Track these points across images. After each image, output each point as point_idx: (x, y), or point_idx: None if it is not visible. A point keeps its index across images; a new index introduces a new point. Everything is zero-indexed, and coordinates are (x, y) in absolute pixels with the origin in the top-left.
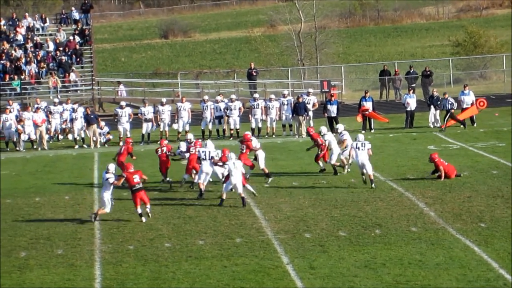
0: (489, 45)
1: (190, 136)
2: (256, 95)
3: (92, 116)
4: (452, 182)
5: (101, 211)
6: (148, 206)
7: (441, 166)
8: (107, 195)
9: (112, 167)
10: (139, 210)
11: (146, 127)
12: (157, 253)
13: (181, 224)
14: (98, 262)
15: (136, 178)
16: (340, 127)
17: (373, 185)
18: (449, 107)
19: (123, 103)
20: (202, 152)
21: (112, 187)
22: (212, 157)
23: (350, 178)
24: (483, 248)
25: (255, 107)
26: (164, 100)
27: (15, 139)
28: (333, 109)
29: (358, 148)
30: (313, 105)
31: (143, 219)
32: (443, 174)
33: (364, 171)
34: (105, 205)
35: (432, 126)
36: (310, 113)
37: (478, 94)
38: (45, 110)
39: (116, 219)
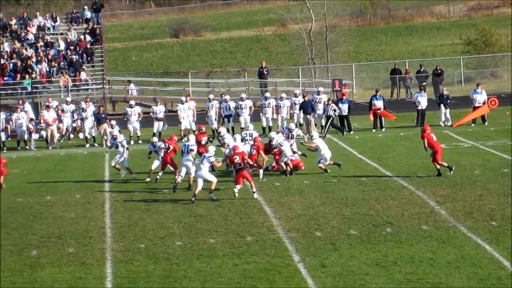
0: (500, 43)
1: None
2: (267, 94)
3: (103, 116)
4: (463, 180)
5: (197, 190)
6: (252, 183)
7: (426, 138)
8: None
9: (212, 148)
10: (236, 190)
11: (157, 126)
12: (168, 251)
13: (192, 223)
14: (110, 260)
15: (237, 159)
16: (295, 130)
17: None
18: (331, 114)
19: (132, 102)
20: (184, 146)
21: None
22: (191, 150)
23: (361, 176)
24: (494, 246)
25: (266, 106)
26: (183, 98)
27: (26, 138)
28: (344, 108)
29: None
30: (325, 103)
31: (255, 195)
32: (425, 142)
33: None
34: (199, 182)
35: (443, 124)
36: (321, 112)
37: (489, 92)
38: (56, 108)
39: (127, 218)
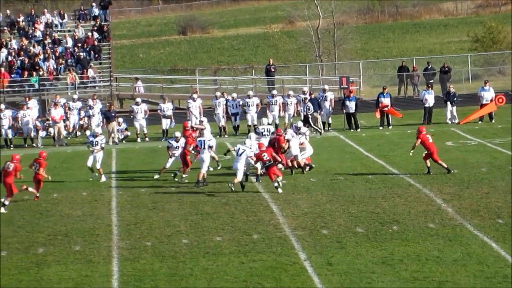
0: (508, 41)
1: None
2: (274, 92)
3: (112, 114)
4: (470, 178)
5: (236, 180)
6: (280, 178)
7: (421, 139)
8: (240, 166)
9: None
10: (275, 184)
11: (165, 124)
12: (174, 249)
13: (199, 221)
14: (116, 258)
15: (266, 156)
16: (303, 128)
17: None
18: (306, 112)
19: (138, 100)
20: (199, 141)
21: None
22: (210, 147)
23: (368, 174)
24: (501, 244)
25: (273, 103)
26: (195, 96)
27: (32, 135)
28: (351, 106)
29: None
30: (330, 100)
31: (279, 190)
32: (417, 142)
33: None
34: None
35: (449, 122)
36: (328, 110)
37: (497, 90)
38: (63, 106)
39: (133, 216)
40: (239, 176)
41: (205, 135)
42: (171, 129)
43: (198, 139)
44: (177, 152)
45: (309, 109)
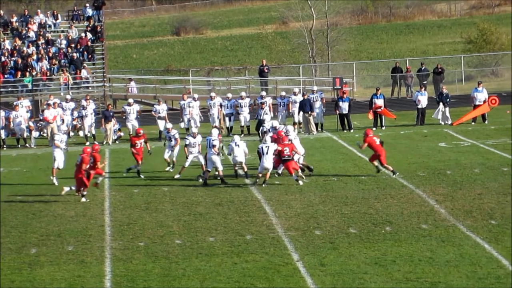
0: (501, 42)
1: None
2: (263, 93)
3: (110, 113)
4: (463, 179)
5: (267, 177)
6: (299, 172)
7: (368, 142)
8: (270, 164)
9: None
10: (295, 177)
11: (161, 125)
12: (167, 250)
13: (192, 221)
14: (109, 259)
15: (287, 150)
16: (289, 128)
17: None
18: (263, 118)
19: (131, 100)
20: (207, 140)
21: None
22: (214, 146)
23: (361, 175)
24: (494, 245)
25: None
26: (196, 96)
27: (26, 136)
28: (345, 106)
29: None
30: (322, 100)
31: (300, 182)
32: (364, 145)
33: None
34: None
35: (442, 123)
36: (317, 111)
37: (490, 91)
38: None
39: (126, 216)
40: (269, 173)
41: (213, 134)
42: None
43: (207, 137)
44: (195, 150)
45: (267, 115)
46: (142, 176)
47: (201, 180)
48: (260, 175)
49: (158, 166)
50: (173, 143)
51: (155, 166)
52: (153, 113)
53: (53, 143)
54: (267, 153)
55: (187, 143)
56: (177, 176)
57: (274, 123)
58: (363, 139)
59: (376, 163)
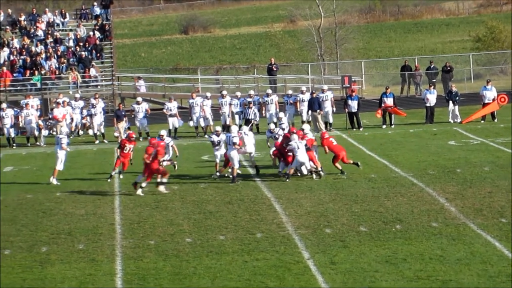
0: (509, 40)
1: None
2: (269, 91)
3: (122, 112)
4: (473, 177)
5: (305, 171)
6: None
7: (326, 145)
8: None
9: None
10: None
11: (172, 123)
12: (178, 248)
13: (202, 220)
14: (119, 257)
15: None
16: (306, 127)
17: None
18: (251, 117)
19: (139, 99)
20: (227, 137)
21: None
22: (234, 143)
23: (370, 173)
24: (504, 243)
25: (269, 102)
26: (209, 94)
27: (36, 134)
28: (354, 105)
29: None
30: (331, 100)
31: (314, 176)
32: (325, 149)
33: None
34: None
35: (452, 121)
36: (328, 109)
37: (499, 89)
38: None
39: (137, 214)
40: (308, 166)
41: (232, 131)
42: (179, 127)
43: (227, 134)
44: (221, 148)
45: (255, 115)
46: (109, 180)
47: (213, 177)
48: (292, 171)
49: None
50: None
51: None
52: (164, 111)
53: (60, 146)
54: (299, 148)
55: (212, 141)
56: (215, 175)
57: (271, 126)
58: (321, 142)
59: (339, 165)
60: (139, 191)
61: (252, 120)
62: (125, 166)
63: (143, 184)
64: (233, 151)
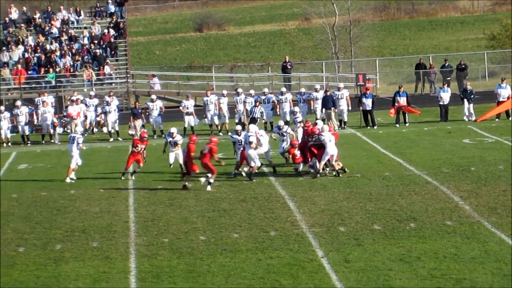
0: None
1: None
2: (284, 89)
3: (138, 110)
4: (487, 176)
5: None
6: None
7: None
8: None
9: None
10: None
11: (187, 121)
12: (192, 246)
13: (216, 217)
14: (133, 255)
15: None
16: (319, 123)
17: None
18: (257, 116)
19: (153, 97)
20: (245, 136)
21: None
22: (251, 142)
23: (385, 171)
24: None
25: (283, 101)
26: (225, 92)
27: (51, 132)
28: (368, 103)
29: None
30: (346, 98)
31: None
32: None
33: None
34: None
35: (466, 119)
36: (343, 108)
37: None
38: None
39: (151, 212)
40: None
41: (250, 129)
42: (195, 126)
43: (244, 133)
44: (241, 147)
45: (261, 114)
46: (122, 178)
47: (233, 176)
48: (323, 164)
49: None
50: (174, 149)
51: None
52: (181, 108)
53: (77, 146)
54: (330, 140)
55: (233, 140)
56: (234, 173)
57: (280, 122)
58: (288, 151)
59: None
60: (208, 187)
61: (258, 119)
62: (140, 162)
63: (211, 180)
64: (251, 149)
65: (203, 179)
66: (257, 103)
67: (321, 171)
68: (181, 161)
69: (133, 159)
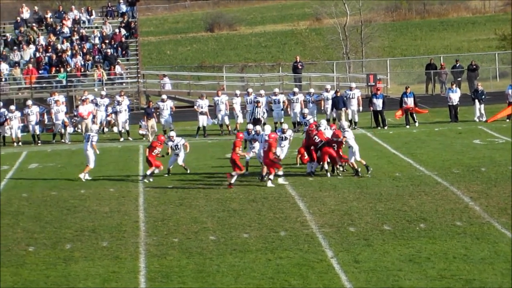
0: None
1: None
2: (296, 89)
3: (152, 110)
4: (497, 176)
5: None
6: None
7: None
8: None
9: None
10: (326, 166)
11: (202, 120)
12: (201, 246)
13: (226, 217)
14: (143, 254)
15: (317, 138)
16: (344, 124)
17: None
18: (260, 116)
19: (164, 96)
20: (260, 136)
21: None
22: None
23: (395, 172)
24: None
25: (294, 101)
26: (238, 92)
27: (62, 131)
28: (378, 103)
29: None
30: (358, 98)
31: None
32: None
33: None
34: None
35: (477, 120)
36: (354, 108)
37: None
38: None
39: (161, 212)
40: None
41: (266, 130)
42: (208, 126)
43: (261, 133)
44: (255, 147)
45: (264, 114)
46: (146, 180)
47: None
48: (355, 164)
49: (192, 162)
50: (177, 151)
51: (189, 162)
52: (195, 107)
53: (91, 144)
54: (353, 137)
55: (246, 139)
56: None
57: (284, 126)
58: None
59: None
60: (269, 183)
61: (262, 120)
62: (159, 166)
63: (280, 172)
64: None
65: (269, 183)
66: (258, 104)
67: (356, 167)
68: (181, 162)
69: (154, 161)
